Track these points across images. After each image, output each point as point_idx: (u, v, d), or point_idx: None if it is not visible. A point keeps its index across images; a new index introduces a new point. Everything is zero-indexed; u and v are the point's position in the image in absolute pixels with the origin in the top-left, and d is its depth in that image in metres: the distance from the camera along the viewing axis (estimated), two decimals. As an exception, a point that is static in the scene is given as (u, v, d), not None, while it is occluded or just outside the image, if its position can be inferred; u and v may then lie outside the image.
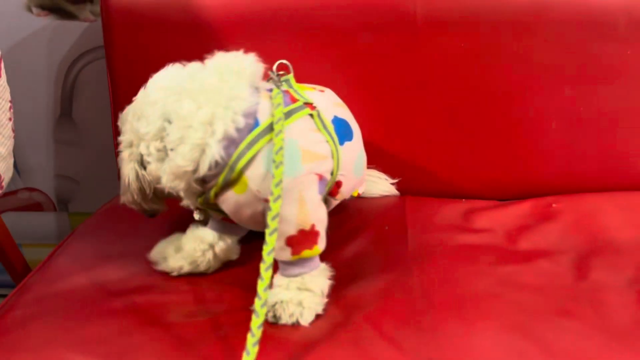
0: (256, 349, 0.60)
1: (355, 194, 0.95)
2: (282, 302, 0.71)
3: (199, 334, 0.70)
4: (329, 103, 0.86)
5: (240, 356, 0.60)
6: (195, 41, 1.01)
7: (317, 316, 0.72)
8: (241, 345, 0.61)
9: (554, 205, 0.99)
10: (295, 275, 0.73)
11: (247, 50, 1.01)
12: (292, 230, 0.71)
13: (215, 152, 0.69)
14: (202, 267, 0.82)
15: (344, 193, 0.85)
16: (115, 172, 1.11)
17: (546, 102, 1.01)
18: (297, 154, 0.73)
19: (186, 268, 0.81)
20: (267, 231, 0.65)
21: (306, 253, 0.73)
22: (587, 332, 0.69)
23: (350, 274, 0.82)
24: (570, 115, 1.01)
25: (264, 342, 0.61)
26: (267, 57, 1.03)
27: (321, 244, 0.74)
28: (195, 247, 0.82)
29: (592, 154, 1.03)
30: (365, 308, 0.74)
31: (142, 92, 0.77)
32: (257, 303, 0.62)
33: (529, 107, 1.02)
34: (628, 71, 0.99)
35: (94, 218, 1.03)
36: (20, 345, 0.70)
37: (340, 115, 0.85)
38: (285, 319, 0.70)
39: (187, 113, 0.70)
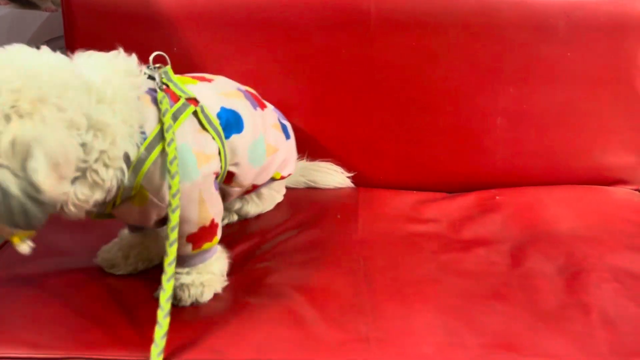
0: (167, 320, 0.64)
1: (278, 177, 0.95)
2: (182, 285, 0.74)
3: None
4: (215, 93, 0.83)
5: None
6: (153, 33, 1.03)
7: (265, 297, 0.76)
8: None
9: (497, 197, 1.05)
10: (196, 265, 0.77)
11: (203, 44, 1.05)
12: (193, 229, 0.74)
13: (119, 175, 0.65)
14: (150, 264, 0.83)
15: (243, 182, 0.86)
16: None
17: (492, 100, 1.06)
18: (191, 159, 0.72)
19: (138, 269, 0.82)
20: (167, 242, 0.66)
21: (206, 246, 0.76)
22: (517, 314, 0.74)
23: (301, 260, 0.86)
24: (514, 113, 1.07)
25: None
26: (223, 52, 1.06)
27: (219, 234, 0.78)
28: (141, 252, 0.82)
29: (534, 150, 1.08)
30: (311, 291, 0.78)
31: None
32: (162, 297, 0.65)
33: (475, 105, 1.07)
34: (568, 72, 1.05)
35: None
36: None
37: (229, 106, 0.82)
38: (185, 300, 0.74)
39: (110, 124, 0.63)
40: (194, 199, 0.72)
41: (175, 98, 0.74)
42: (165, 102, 0.71)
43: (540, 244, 0.91)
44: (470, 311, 0.75)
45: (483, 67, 1.06)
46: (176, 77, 0.78)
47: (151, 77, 0.75)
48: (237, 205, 0.96)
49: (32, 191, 0.55)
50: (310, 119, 1.08)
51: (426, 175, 1.10)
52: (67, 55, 0.69)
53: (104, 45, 1.05)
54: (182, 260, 0.76)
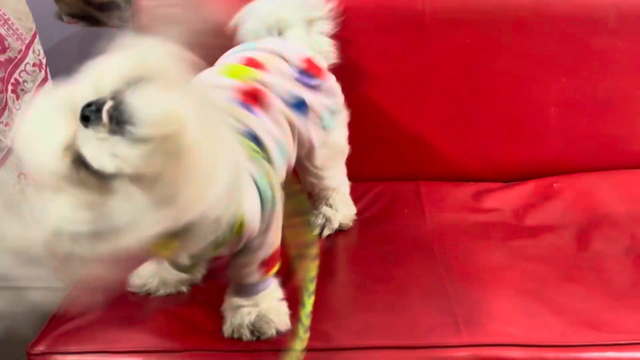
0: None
1: None
2: (262, 316, 0.72)
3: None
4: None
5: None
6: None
7: (349, 288, 0.83)
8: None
9: (554, 185, 1.10)
10: (257, 294, 0.74)
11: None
12: (267, 255, 0.72)
13: None
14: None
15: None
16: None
17: (545, 91, 1.11)
18: (269, 194, 0.69)
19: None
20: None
21: (272, 271, 0.74)
22: (591, 294, 0.80)
23: (376, 254, 0.92)
24: (567, 102, 1.11)
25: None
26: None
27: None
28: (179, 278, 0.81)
29: (587, 137, 1.13)
30: (394, 281, 0.84)
31: None
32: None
33: (529, 96, 1.11)
34: (618, 61, 1.09)
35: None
36: (95, 324, 0.78)
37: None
38: (267, 332, 0.72)
39: None
40: (276, 225, 0.71)
41: None
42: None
43: (602, 227, 0.95)
44: (547, 293, 0.80)
45: (535, 59, 1.10)
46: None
47: None
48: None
49: None
50: (369, 119, 1.13)
51: (483, 166, 1.15)
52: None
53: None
54: (248, 291, 0.74)
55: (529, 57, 1.10)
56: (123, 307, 0.80)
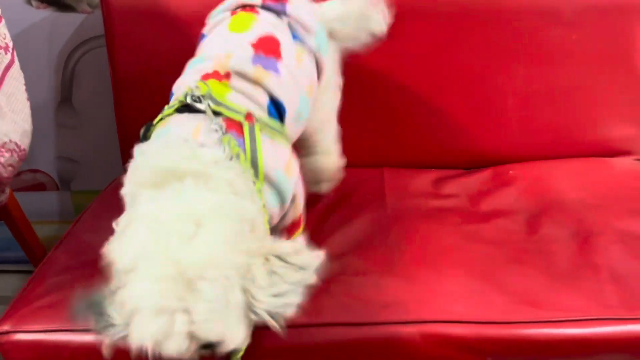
0: None
1: None
2: None
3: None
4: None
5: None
6: (191, 31, 1.10)
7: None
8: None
9: (510, 172, 1.14)
10: None
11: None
12: (287, 223, 0.79)
13: None
14: None
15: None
16: (115, 152, 1.22)
17: (503, 82, 1.15)
18: (287, 185, 0.71)
19: None
20: None
21: (297, 233, 0.82)
22: (536, 275, 0.84)
23: (338, 238, 0.96)
24: (524, 93, 1.15)
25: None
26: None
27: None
28: None
29: (544, 127, 1.17)
30: (351, 264, 0.88)
31: None
32: None
33: (488, 87, 1.15)
34: (572, 53, 1.13)
35: (102, 196, 1.14)
36: (57, 305, 0.82)
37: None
38: None
39: None
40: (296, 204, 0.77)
41: (235, 126, 0.69)
42: (234, 147, 0.66)
43: (552, 213, 1.00)
44: (494, 274, 0.84)
45: (495, 51, 1.14)
46: (218, 90, 0.72)
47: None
48: None
49: None
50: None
51: (445, 154, 1.20)
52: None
53: (142, 43, 1.15)
54: None
55: (488, 49, 1.14)
56: (86, 286, 0.83)
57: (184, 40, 1.08)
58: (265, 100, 0.74)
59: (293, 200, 0.75)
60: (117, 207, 1.07)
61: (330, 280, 0.83)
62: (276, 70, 0.75)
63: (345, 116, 1.17)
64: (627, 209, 1.00)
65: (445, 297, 0.80)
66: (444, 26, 1.13)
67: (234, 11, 0.84)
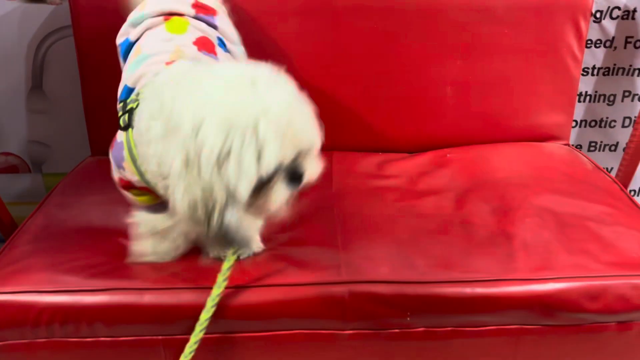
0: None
1: None
2: None
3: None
4: None
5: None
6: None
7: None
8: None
9: (448, 155, 1.25)
10: None
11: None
12: None
13: None
14: None
15: None
16: (83, 136, 1.30)
17: (442, 72, 1.25)
18: None
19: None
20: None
21: None
22: (456, 243, 0.95)
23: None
24: (460, 83, 1.26)
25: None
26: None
27: None
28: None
29: (479, 114, 1.28)
30: (295, 237, 0.98)
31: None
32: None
33: (428, 77, 1.26)
34: (505, 46, 1.24)
35: (71, 176, 1.22)
36: (26, 270, 0.90)
37: None
38: None
39: None
40: None
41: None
42: None
43: (480, 191, 1.11)
44: (419, 242, 0.95)
45: (434, 44, 1.24)
46: None
47: None
48: None
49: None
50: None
51: (390, 139, 1.30)
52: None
53: (108, 33, 1.22)
54: None
55: (429, 41, 1.24)
56: (53, 254, 0.92)
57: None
58: None
59: None
60: (83, 186, 1.16)
61: (273, 251, 0.93)
62: (216, 59, 0.87)
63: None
64: (547, 188, 1.11)
65: (374, 261, 0.90)
66: (388, 19, 1.23)
67: (167, 17, 0.94)
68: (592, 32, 1.39)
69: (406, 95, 1.27)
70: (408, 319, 0.87)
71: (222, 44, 0.94)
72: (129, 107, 0.80)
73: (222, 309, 0.83)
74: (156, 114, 0.71)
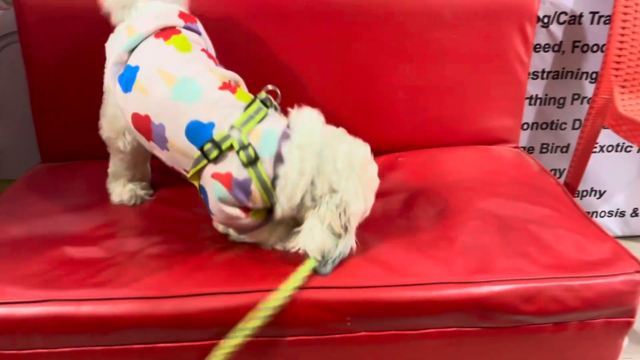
0: None
1: None
2: None
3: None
4: None
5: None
6: (99, 26, 1.17)
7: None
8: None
9: (399, 158, 1.26)
10: None
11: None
12: None
13: None
14: None
15: None
16: (33, 143, 1.28)
17: (393, 77, 1.27)
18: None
19: None
20: None
21: None
22: (399, 246, 0.96)
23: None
24: (412, 87, 1.28)
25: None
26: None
27: None
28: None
29: (430, 118, 1.30)
30: (241, 245, 0.98)
31: None
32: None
33: (381, 82, 1.27)
34: (454, 52, 1.26)
35: (19, 182, 1.20)
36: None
37: None
38: None
39: None
40: None
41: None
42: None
43: (427, 194, 1.12)
44: (364, 246, 0.95)
45: (386, 49, 1.26)
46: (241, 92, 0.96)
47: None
48: None
49: None
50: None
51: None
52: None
53: (55, 39, 1.21)
54: None
55: (380, 47, 1.25)
56: None
57: (93, 36, 1.15)
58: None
59: None
60: (30, 194, 1.15)
61: (210, 259, 0.94)
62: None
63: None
64: (493, 191, 1.13)
65: (315, 266, 0.91)
66: (339, 25, 1.24)
67: (158, 34, 0.96)
68: (541, 36, 1.42)
69: (358, 100, 1.29)
70: (348, 323, 0.88)
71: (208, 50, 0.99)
72: (224, 146, 0.88)
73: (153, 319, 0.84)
74: (307, 170, 0.88)
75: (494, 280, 0.89)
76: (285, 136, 0.89)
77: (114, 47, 0.97)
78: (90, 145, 1.14)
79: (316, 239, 0.87)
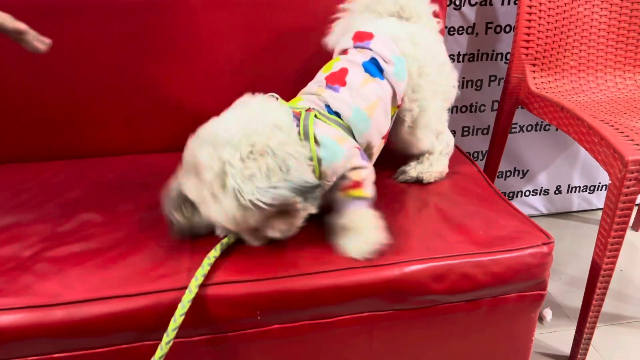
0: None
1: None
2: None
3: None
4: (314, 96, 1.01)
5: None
6: None
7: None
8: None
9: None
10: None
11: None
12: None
13: None
14: None
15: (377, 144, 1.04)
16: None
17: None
18: (333, 145, 0.92)
19: None
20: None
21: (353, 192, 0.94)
22: (306, 237, 0.94)
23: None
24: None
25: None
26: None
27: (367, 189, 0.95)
28: None
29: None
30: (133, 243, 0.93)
31: None
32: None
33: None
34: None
35: None
36: None
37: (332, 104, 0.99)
38: None
39: None
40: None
41: (297, 113, 0.95)
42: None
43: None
44: (275, 243, 0.93)
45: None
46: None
47: None
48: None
49: None
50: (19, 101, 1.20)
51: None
52: None
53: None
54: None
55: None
56: None
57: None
58: (321, 104, 0.99)
59: (353, 167, 0.94)
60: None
61: (120, 259, 0.89)
62: (336, 90, 1.00)
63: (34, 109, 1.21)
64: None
65: (219, 264, 0.87)
66: (247, 13, 1.20)
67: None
68: (454, 19, 1.43)
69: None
70: (258, 317, 0.85)
71: (373, 64, 1.02)
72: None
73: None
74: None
75: (404, 262, 0.88)
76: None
77: None
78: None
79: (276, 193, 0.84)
